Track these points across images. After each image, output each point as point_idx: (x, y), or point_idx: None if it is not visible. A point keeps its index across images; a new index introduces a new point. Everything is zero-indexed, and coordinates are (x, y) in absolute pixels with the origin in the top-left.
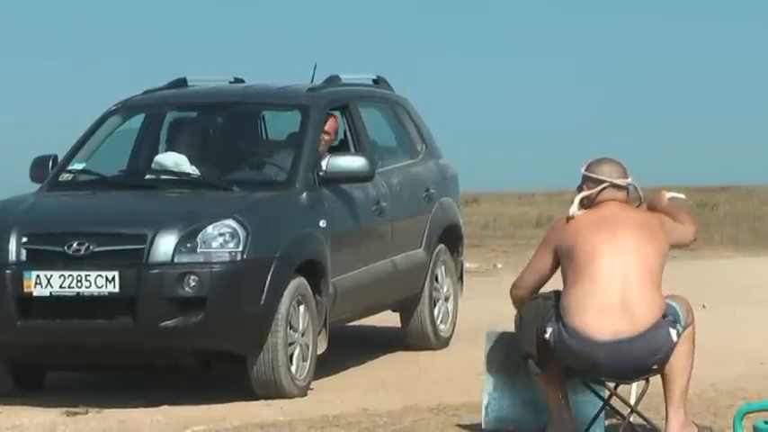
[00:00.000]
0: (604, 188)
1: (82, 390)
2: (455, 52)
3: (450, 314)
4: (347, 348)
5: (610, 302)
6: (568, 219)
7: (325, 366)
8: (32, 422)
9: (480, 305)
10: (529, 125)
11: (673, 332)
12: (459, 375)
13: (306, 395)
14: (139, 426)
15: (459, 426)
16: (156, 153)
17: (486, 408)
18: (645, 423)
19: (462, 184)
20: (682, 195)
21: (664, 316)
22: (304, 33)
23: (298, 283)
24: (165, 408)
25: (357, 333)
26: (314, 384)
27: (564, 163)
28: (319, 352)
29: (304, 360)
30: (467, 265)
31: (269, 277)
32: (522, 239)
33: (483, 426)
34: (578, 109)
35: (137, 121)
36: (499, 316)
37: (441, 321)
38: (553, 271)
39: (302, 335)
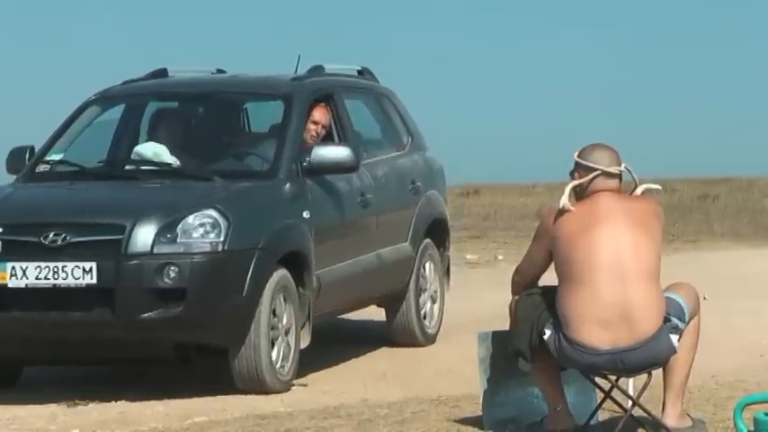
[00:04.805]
0: (596, 176)
1: (82, 382)
2: (451, 43)
3: (437, 310)
4: (347, 340)
5: (609, 314)
6: (560, 211)
7: (326, 358)
8: (32, 413)
9: (481, 296)
10: (530, 117)
11: (674, 338)
12: (459, 367)
13: (289, 390)
14: (140, 417)
15: (459, 417)
16: (137, 144)
17: (484, 408)
18: (646, 415)
19: (463, 175)
20: (656, 186)
21: (666, 319)
22: (287, 26)
23: (280, 275)
24: (166, 399)
25: (356, 325)
26: (314, 376)
27: (565, 155)
28: (302, 346)
29: (287, 354)
30: (468, 256)
31: (251, 269)
32: (522, 231)
33: (483, 424)
34: (580, 101)
35: (116, 111)
36: (499, 307)
37: (426, 318)
38: (549, 264)
39: (285, 328)
